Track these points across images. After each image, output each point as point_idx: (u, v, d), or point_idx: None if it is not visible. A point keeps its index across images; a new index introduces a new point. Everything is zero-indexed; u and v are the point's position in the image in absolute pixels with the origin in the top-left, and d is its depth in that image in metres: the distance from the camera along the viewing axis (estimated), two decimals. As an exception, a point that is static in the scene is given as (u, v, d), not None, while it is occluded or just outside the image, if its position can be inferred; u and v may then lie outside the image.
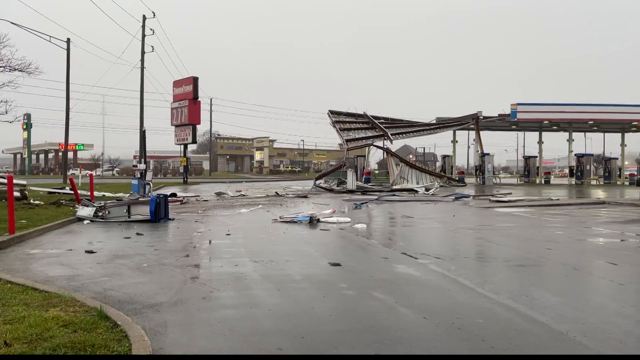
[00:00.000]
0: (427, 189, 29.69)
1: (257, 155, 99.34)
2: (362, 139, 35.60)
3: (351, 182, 30.95)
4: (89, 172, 32.61)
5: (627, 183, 43.41)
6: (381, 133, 35.75)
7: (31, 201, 18.02)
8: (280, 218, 14.48)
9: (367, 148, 38.81)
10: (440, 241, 11.58)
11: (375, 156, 62.40)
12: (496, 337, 4.68)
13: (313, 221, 13.65)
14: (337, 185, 33.42)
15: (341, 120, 36.99)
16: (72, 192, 19.02)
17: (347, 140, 34.33)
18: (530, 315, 5.33)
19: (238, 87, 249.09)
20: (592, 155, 47.24)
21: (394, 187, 31.95)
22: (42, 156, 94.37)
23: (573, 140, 43.48)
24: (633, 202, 20.86)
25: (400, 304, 5.76)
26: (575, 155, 42.93)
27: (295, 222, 13.74)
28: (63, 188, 25.26)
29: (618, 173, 45.78)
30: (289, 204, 20.64)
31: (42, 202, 17.91)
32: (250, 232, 12.14)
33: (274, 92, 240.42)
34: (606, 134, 54.18)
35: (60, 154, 74.88)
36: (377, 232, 12.81)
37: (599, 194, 28.40)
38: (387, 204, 21.24)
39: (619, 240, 11.13)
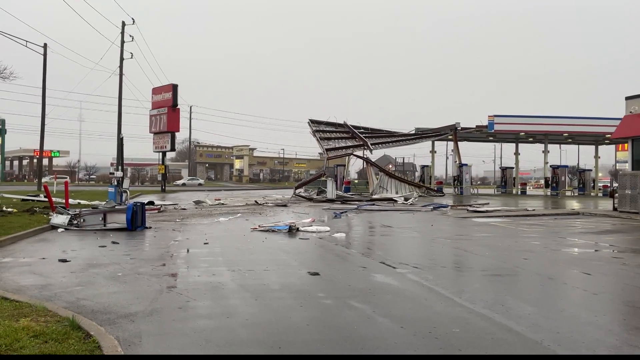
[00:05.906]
0: (406, 199, 29.88)
1: (237, 164, 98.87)
2: (342, 148, 35.76)
3: (331, 191, 30.99)
4: (66, 178, 31.98)
5: (600, 194, 44.29)
6: (361, 143, 35.95)
7: (4, 208, 17.60)
8: (259, 227, 14.41)
9: (347, 157, 38.96)
10: (418, 251, 11.65)
11: (355, 165, 62.60)
12: (472, 347, 4.72)
13: (292, 230, 13.61)
14: (317, 194, 33.42)
15: (321, 129, 37.13)
16: (47, 199, 18.65)
17: (327, 150, 34.44)
18: (505, 325, 5.38)
19: (219, 95, 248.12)
20: (567, 166, 48.27)
21: (374, 196, 32.08)
22: (16, 163, 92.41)
23: (548, 152, 44.35)
24: (606, 213, 21.30)
25: (378, 314, 5.77)
26: (550, 166, 43.77)
27: (275, 231, 13.68)
28: (37, 195, 24.77)
29: (592, 184, 46.73)
30: (269, 213, 20.56)
31: (15, 210, 17.53)
32: (229, 241, 12.04)
33: (255, 101, 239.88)
34: (580, 146, 55.53)
35: (35, 160, 73.47)
36: (356, 241, 12.83)
37: (574, 205, 28.94)
38: (367, 214, 21.31)
39: (592, 250, 11.35)
